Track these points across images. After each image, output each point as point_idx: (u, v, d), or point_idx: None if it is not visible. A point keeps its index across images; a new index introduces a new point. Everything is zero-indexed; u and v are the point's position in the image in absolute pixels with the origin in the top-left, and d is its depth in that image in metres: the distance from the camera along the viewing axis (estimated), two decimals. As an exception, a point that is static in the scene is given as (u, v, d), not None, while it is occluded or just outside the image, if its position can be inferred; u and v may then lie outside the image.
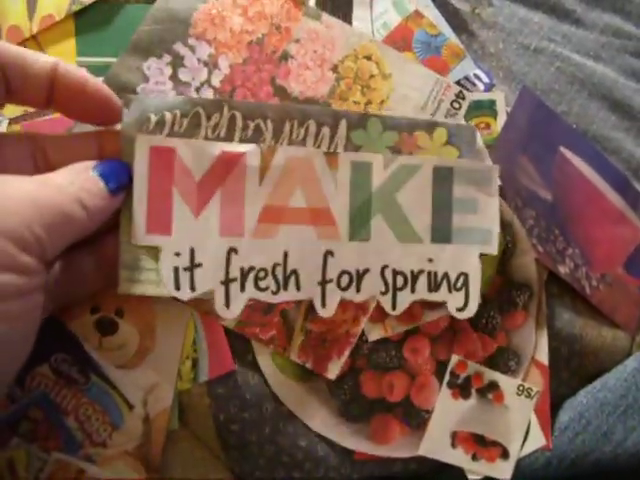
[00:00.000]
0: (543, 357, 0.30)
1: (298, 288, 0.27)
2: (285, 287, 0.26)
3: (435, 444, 0.29)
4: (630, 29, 0.37)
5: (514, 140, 0.32)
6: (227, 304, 0.26)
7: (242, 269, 0.26)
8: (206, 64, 0.29)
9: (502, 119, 0.32)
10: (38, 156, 0.24)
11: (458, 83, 0.32)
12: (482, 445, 0.29)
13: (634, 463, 0.30)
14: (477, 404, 0.29)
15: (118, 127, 0.26)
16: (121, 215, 0.25)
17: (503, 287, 0.30)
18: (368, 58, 0.30)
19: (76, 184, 0.22)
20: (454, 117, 0.30)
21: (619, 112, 0.35)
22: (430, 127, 0.28)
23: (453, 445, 0.29)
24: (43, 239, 0.20)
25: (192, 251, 0.26)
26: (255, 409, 0.28)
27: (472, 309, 0.28)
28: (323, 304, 0.27)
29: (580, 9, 0.36)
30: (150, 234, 0.25)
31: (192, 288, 0.26)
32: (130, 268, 0.25)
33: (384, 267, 0.27)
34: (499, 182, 0.30)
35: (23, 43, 0.30)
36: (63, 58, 0.30)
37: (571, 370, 0.32)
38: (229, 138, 0.26)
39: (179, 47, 0.29)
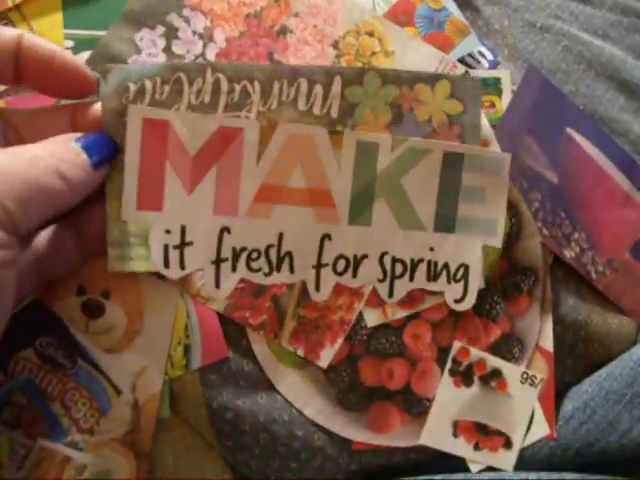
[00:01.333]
0: (548, 344, 0.29)
1: (292, 270, 0.26)
2: (278, 269, 0.25)
3: (436, 433, 0.28)
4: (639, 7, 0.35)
5: (519, 120, 0.31)
6: (217, 284, 0.25)
7: (234, 249, 0.25)
8: (201, 37, 0.28)
9: (507, 98, 0.31)
10: (9, 132, 0.23)
11: (462, 60, 0.31)
12: (484, 434, 0.28)
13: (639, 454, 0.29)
14: (480, 392, 0.28)
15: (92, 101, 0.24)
16: (107, 190, 0.24)
17: (507, 271, 0.29)
18: (370, 34, 0.29)
19: (56, 155, 0.21)
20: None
21: (627, 93, 0.34)
22: (432, 80, 0.27)
23: (455, 434, 0.28)
24: (13, 212, 0.19)
25: (183, 229, 0.24)
26: (249, 397, 0.27)
27: (470, 301, 0.27)
28: (317, 288, 0.26)
29: (588, -14, 0.35)
30: (141, 210, 0.24)
31: (182, 267, 0.25)
32: (118, 245, 0.24)
33: (383, 254, 0.26)
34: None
35: (5, 13, 0.28)
36: (50, 30, 0.29)
37: (576, 357, 0.31)
38: (214, 103, 0.25)
39: (173, 18, 0.28)
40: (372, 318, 0.27)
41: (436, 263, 0.27)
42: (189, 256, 0.25)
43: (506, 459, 0.28)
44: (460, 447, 0.28)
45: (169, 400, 0.27)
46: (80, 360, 0.26)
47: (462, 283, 0.27)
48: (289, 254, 0.25)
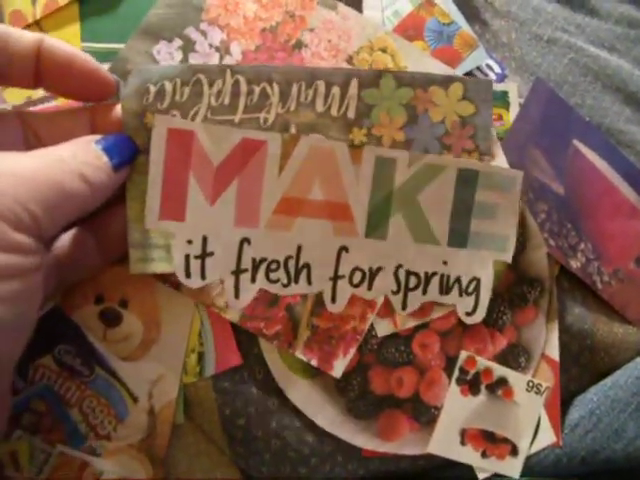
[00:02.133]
0: (554, 352, 0.30)
1: (309, 282, 0.26)
2: (296, 280, 0.26)
3: (444, 442, 0.28)
4: (646, 19, 0.36)
5: (526, 132, 0.31)
6: (237, 295, 0.26)
7: (254, 260, 0.26)
8: (218, 50, 0.29)
9: (515, 110, 0.31)
10: (29, 135, 0.23)
11: (470, 73, 0.31)
12: (492, 442, 0.28)
13: (645, 462, 0.30)
14: (487, 400, 0.29)
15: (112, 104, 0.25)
16: (127, 193, 0.25)
17: (514, 282, 0.29)
18: (383, 50, 0.30)
19: (79, 158, 0.21)
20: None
21: (634, 105, 0.34)
22: (445, 82, 0.27)
23: (462, 442, 0.28)
24: (40, 217, 0.19)
25: (204, 239, 0.25)
26: (261, 404, 0.28)
27: (481, 314, 0.28)
28: (333, 299, 0.26)
29: (595, -1, 0.35)
30: (163, 220, 0.25)
31: (202, 276, 0.25)
32: (140, 246, 0.25)
33: (398, 266, 0.27)
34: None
35: (26, 29, 0.29)
36: (68, 43, 0.30)
37: (581, 366, 0.31)
38: (233, 104, 0.25)
39: (191, 32, 0.29)
40: (382, 328, 0.28)
41: (449, 277, 0.27)
42: (210, 266, 0.25)
43: (512, 466, 0.29)
44: (468, 455, 0.28)
45: (183, 406, 0.27)
46: (98, 368, 0.26)
47: (473, 296, 0.27)
48: (307, 266, 0.26)
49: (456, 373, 0.28)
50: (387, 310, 0.27)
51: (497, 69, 0.32)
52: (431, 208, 0.27)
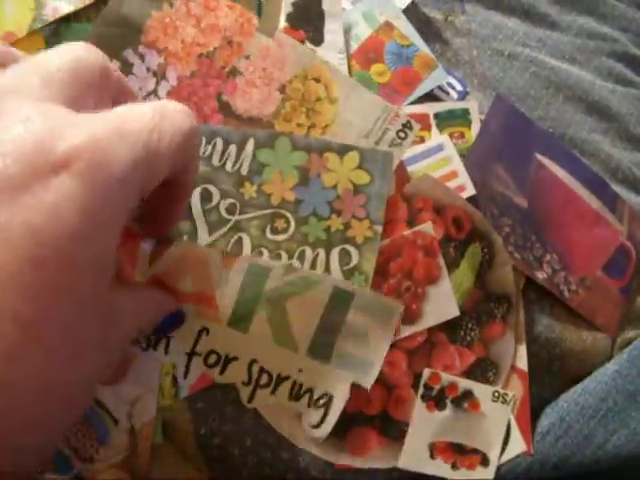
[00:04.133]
0: (522, 363, 0.31)
1: (166, 352, 0.27)
2: (155, 347, 0.27)
3: (413, 457, 0.29)
4: (605, 31, 0.37)
5: (488, 148, 0.32)
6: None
7: None
8: (155, 74, 0.29)
9: (476, 127, 0.32)
10: None
11: (431, 93, 0.32)
12: (461, 453, 0.29)
13: (615, 465, 0.30)
14: (453, 414, 0.29)
15: None
16: None
17: (481, 299, 0.30)
18: (317, 80, 0.30)
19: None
20: (398, 147, 0.30)
21: (596, 114, 0.35)
22: (342, 150, 0.28)
23: (432, 456, 0.29)
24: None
25: None
26: (235, 422, 0.29)
27: (326, 429, 0.28)
28: (186, 374, 0.27)
29: (554, 12, 0.36)
30: None
31: None
32: None
33: (253, 361, 0.27)
34: (474, 192, 0.31)
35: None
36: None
37: (552, 374, 0.32)
38: None
39: (129, 54, 0.29)
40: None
41: (301, 385, 0.28)
42: None
43: (484, 475, 0.30)
44: (438, 468, 0.29)
45: (161, 427, 0.28)
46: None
47: (322, 410, 0.28)
48: (167, 337, 0.27)
49: (421, 390, 0.29)
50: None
51: (459, 87, 0.33)
52: (297, 317, 0.27)
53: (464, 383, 0.29)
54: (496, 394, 0.30)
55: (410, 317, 0.29)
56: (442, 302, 0.29)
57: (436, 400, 0.29)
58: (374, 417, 0.29)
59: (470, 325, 0.30)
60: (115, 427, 0.28)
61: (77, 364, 0.17)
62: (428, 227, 0.29)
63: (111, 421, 0.28)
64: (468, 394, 0.29)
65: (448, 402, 0.29)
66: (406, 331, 0.29)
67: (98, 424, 0.28)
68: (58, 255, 0.15)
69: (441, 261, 0.29)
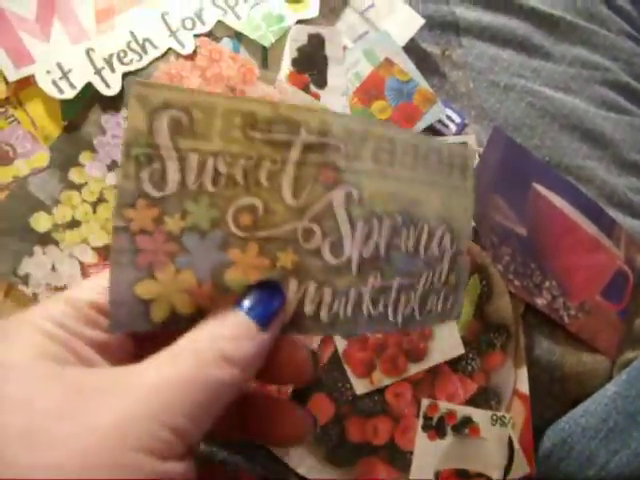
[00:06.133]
0: (524, 387, 0.32)
1: None
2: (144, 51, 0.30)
3: (421, 486, 0.30)
4: (597, 60, 0.38)
5: (487, 180, 0.33)
6: (107, 85, 0.29)
7: (104, 59, 0.30)
8: None
9: (474, 160, 0.33)
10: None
11: (431, 127, 0.33)
12: (466, 478, 0.30)
13: (617, 485, 0.31)
14: (455, 441, 0.30)
15: None
16: None
17: (481, 330, 0.31)
18: None
19: (217, 338, 0.16)
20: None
21: (591, 141, 0.36)
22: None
23: (439, 483, 0.30)
24: (187, 429, 0.14)
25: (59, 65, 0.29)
26: (248, 454, 0.30)
27: None
28: None
29: (548, 44, 0.37)
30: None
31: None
32: None
33: None
34: (473, 224, 0.32)
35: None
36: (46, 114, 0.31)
37: (554, 396, 0.33)
38: None
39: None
40: (360, 386, 0.29)
41: None
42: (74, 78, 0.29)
43: (490, 498, 0.31)
44: (445, 494, 0.30)
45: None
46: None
47: None
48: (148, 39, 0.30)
49: (421, 420, 0.30)
50: (365, 370, 0.29)
51: (457, 119, 0.34)
52: None
53: (463, 410, 0.30)
54: (494, 417, 0.30)
55: (418, 355, 0.30)
56: (448, 340, 0.30)
57: (437, 429, 0.30)
58: (381, 447, 0.30)
59: (471, 355, 0.31)
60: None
61: None
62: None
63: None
64: (467, 420, 0.30)
65: (449, 430, 0.30)
66: (414, 369, 0.30)
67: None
68: None
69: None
